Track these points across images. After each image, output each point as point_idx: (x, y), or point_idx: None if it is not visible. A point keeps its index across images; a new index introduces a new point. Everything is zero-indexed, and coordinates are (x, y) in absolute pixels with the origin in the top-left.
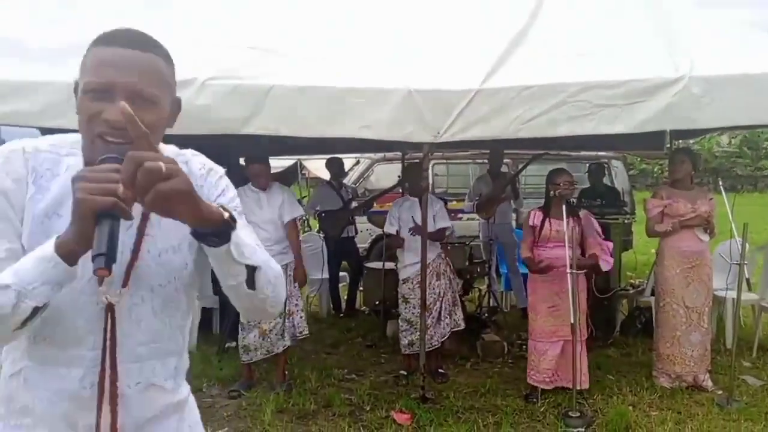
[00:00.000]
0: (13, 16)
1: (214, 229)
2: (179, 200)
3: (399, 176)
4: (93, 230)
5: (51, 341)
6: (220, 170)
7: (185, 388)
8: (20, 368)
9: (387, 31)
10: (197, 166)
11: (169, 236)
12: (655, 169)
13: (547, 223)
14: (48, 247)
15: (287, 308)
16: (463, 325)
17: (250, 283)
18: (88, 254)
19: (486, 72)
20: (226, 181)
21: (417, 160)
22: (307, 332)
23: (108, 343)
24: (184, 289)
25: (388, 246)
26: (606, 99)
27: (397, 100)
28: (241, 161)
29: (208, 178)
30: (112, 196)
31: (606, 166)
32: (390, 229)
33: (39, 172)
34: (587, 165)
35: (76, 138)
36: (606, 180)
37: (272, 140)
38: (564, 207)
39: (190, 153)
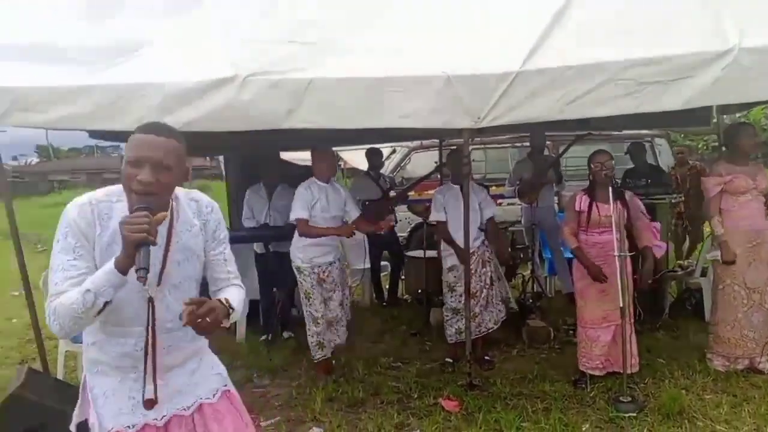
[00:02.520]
0: (37, 19)
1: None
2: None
3: (436, 162)
4: (135, 254)
5: (114, 322)
6: (217, 206)
7: (201, 341)
8: (96, 340)
9: (421, 16)
10: (205, 203)
11: (185, 253)
12: (700, 145)
13: (594, 208)
14: (110, 265)
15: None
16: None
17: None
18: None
19: (525, 53)
20: (220, 216)
21: (455, 147)
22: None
23: (150, 322)
24: (195, 285)
25: (432, 234)
26: (651, 76)
27: (436, 88)
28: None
29: (212, 214)
30: (144, 233)
31: (646, 144)
32: (438, 216)
33: (101, 216)
34: (657, 146)
35: (120, 190)
36: (650, 159)
37: (308, 133)
38: (610, 190)
39: (197, 194)
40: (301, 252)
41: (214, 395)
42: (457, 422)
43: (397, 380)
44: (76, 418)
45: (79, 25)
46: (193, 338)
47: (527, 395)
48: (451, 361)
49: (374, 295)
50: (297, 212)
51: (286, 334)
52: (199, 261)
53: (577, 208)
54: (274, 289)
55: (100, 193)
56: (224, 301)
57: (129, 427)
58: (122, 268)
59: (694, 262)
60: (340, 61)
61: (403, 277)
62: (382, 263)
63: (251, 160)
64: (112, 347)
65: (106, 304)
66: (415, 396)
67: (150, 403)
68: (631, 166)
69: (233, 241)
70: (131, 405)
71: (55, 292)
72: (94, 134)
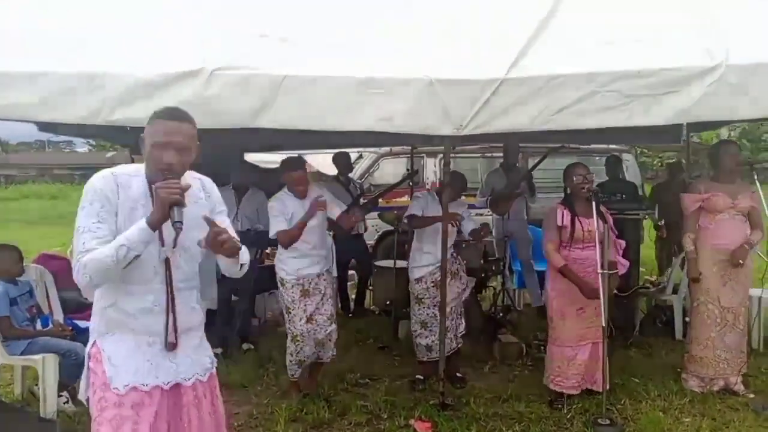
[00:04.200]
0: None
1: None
2: (228, 251)
3: (408, 170)
4: (168, 213)
5: (135, 280)
6: (215, 188)
7: (201, 314)
8: (114, 301)
9: (406, 17)
10: (207, 181)
11: (194, 221)
12: (654, 162)
13: (577, 223)
14: (142, 223)
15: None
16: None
17: (239, 269)
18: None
19: (511, 60)
20: (219, 196)
21: (425, 155)
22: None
23: (168, 279)
24: (200, 249)
25: (402, 243)
26: (638, 89)
27: (417, 91)
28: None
29: (213, 190)
30: (178, 195)
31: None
32: (415, 212)
33: (122, 186)
34: (605, 158)
35: (137, 167)
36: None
37: (274, 134)
38: (594, 204)
39: (199, 174)
40: (286, 264)
41: (205, 374)
42: None
43: (365, 399)
44: (84, 387)
45: (36, 13)
46: (197, 302)
47: (502, 416)
48: (421, 378)
49: (340, 306)
50: (276, 227)
51: (245, 346)
52: (204, 229)
53: (559, 223)
54: (234, 298)
55: (118, 169)
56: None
57: (144, 385)
58: (154, 226)
59: (665, 279)
60: (316, 59)
61: (370, 287)
62: (349, 272)
63: (213, 160)
64: (133, 304)
65: (136, 257)
66: (385, 416)
67: (172, 345)
68: (600, 180)
69: None
70: (147, 368)
71: (84, 249)
72: (44, 127)
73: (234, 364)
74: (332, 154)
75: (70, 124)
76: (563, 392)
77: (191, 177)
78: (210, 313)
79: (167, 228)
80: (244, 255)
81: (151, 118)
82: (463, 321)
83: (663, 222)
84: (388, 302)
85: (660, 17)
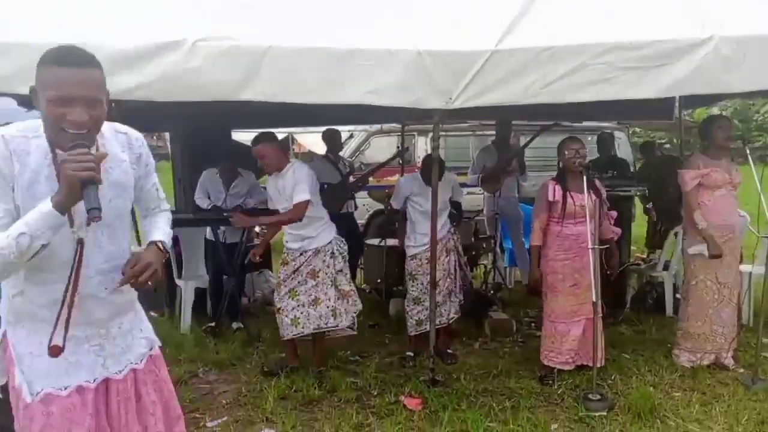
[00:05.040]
0: None
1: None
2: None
3: (398, 147)
4: (80, 194)
5: (46, 268)
6: (142, 139)
7: (133, 293)
8: (21, 289)
9: None
10: (134, 135)
11: (116, 190)
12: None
13: (569, 198)
14: (47, 206)
15: (312, 295)
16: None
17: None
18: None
19: (501, 31)
20: (146, 147)
21: (416, 133)
22: (333, 325)
23: (75, 264)
24: (126, 221)
25: (392, 221)
26: (630, 61)
27: (405, 63)
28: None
29: (143, 147)
30: (91, 171)
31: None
32: (395, 204)
33: (17, 153)
34: (596, 135)
35: (36, 124)
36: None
37: (261, 109)
38: (585, 179)
39: (122, 126)
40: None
41: (141, 360)
42: (421, 422)
43: (356, 376)
44: (1, 369)
45: None
46: (117, 291)
47: (493, 392)
48: (412, 354)
49: None
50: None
51: (235, 325)
52: (129, 196)
53: (550, 198)
54: (225, 277)
55: (13, 129)
56: (160, 246)
57: (61, 388)
58: (63, 209)
59: (656, 255)
60: (301, 29)
61: (361, 266)
62: None
63: (200, 137)
64: (42, 295)
65: (42, 246)
66: (375, 393)
67: (56, 350)
68: (595, 156)
69: (180, 224)
70: (64, 367)
71: None
72: (23, 102)
73: (223, 342)
74: (321, 133)
75: None
76: (555, 368)
77: (112, 131)
78: (200, 292)
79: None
80: (167, 242)
81: (40, 63)
82: (457, 300)
83: (651, 204)
84: (378, 281)
85: None
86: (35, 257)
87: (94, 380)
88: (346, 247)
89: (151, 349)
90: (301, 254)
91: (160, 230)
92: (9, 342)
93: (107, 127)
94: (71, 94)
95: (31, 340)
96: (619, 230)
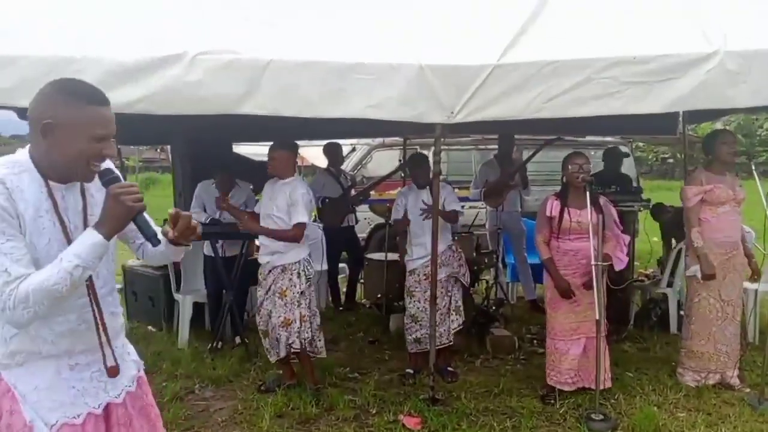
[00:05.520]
0: None
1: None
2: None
3: (400, 160)
4: (126, 223)
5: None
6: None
7: (122, 317)
8: (26, 327)
9: (397, 2)
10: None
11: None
12: (650, 156)
13: (566, 214)
14: (94, 237)
15: (281, 316)
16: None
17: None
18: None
19: (504, 46)
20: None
21: (419, 147)
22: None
23: (90, 290)
24: (114, 252)
25: (394, 235)
26: (634, 76)
27: (407, 77)
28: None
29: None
30: (142, 201)
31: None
32: (397, 215)
33: (15, 190)
34: (602, 149)
35: (15, 158)
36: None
37: (263, 123)
38: (587, 195)
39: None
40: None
41: (133, 383)
42: None
43: (354, 393)
44: None
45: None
46: (116, 306)
47: (494, 411)
48: (411, 372)
49: (330, 300)
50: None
51: (237, 341)
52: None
53: (548, 214)
54: (224, 292)
55: (1, 170)
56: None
57: (76, 417)
58: (110, 238)
59: (656, 271)
60: (302, 43)
61: (361, 280)
62: (340, 265)
63: (201, 150)
64: (53, 327)
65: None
66: (374, 412)
67: (114, 370)
68: (597, 170)
69: None
70: (72, 395)
71: (12, 278)
72: (23, 114)
73: (221, 358)
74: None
75: None
76: (560, 388)
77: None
78: (198, 307)
79: (78, 231)
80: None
81: (74, 100)
82: (458, 317)
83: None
84: (379, 296)
85: (656, 3)
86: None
87: (99, 405)
88: (313, 271)
89: (138, 371)
90: (270, 272)
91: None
92: (8, 384)
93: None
94: (111, 132)
95: (34, 376)
96: (626, 259)
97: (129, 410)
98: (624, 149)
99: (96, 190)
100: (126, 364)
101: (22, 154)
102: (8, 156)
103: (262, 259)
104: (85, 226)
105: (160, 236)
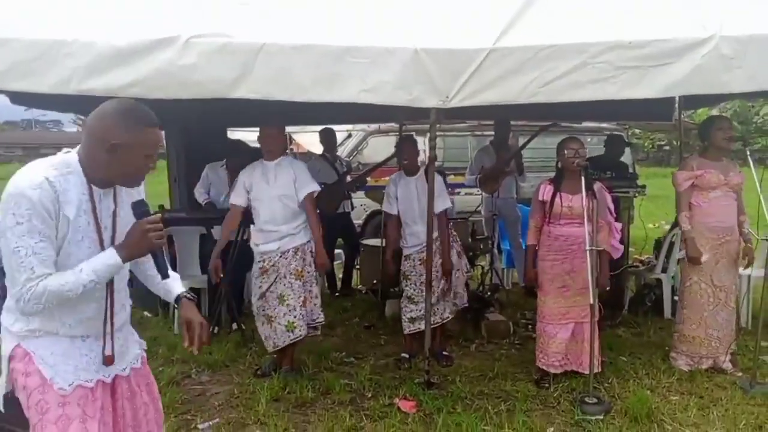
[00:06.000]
0: None
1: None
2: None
3: (397, 145)
4: (147, 254)
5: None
6: None
7: (129, 307)
8: (51, 312)
9: None
10: None
11: (129, 218)
12: (646, 144)
13: (557, 199)
14: (114, 258)
15: (302, 296)
16: (465, 303)
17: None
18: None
19: (500, 30)
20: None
21: (414, 133)
22: (322, 319)
23: (108, 288)
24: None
25: (384, 224)
26: (630, 60)
27: (402, 61)
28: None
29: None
30: (164, 239)
31: (604, 138)
32: (389, 209)
33: (61, 192)
34: (603, 136)
35: (66, 159)
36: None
37: (258, 108)
38: (582, 180)
39: None
40: (252, 238)
41: (137, 360)
42: (415, 425)
43: (350, 377)
44: (2, 390)
45: None
46: (127, 298)
47: (488, 395)
48: (407, 356)
49: (326, 285)
50: (231, 198)
51: (234, 326)
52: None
53: (540, 198)
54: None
55: (49, 169)
56: (189, 297)
57: (88, 381)
58: (126, 261)
59: (651, 257)
60: (296, 27)
61: (357, 266)
62: (336, 251)
63: (196, 135)
64: (73, 314)
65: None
66: (369, 395)
67: (110, 359)
68: (594, 155)
69: (173, 222)
70: (85, 362)
71: (35, 276)
72: (16, 98)
73: (217, 343)
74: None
75: (41, 94)
76: (546, 370)
77: None
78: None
79: (107, 232)
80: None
81: (140, 124)
82: (452, 300)
83: None
84: (375, 281)
85: None
86: None
87: (108, 375)
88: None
89: (142, 351)
90: (281, 256)
91: (174, 279)
92: (27, 350)
93: None
94: (156, 151)
95: (51, 344)
96: (621, 247)
97: (133, 385)
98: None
99: (125, 194)
100: (132, 343)
101: (71, 156)
102: (59, 156)
103: (268, 246)
104: (114, 226)
105: (169, 272)
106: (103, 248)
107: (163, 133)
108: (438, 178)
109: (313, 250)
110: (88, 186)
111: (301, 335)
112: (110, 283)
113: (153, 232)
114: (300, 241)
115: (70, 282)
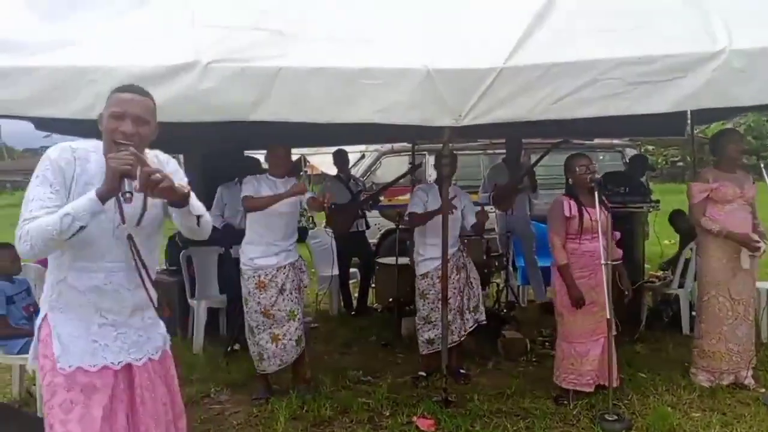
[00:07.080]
0: None
1: (180, 201)
2: (166, 193)
3: (410, 164)
4: (119, 185)
5: (86, 257)
6: (174, 161)
7: (151, 292)
8: (65, 276)
9: (403, 7)
10: (163, 157)
11: (155, 201)
12: (659, 159)
13: (585, 213)
14: (91, 194)
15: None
16: (484, 320)
17: (198, 224)
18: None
19: (510, 49)
20: (177, 166)
21: (427, 153)
22: (310, 320)
23: (136, 254)
24: (159, 227)
25: (403, 240)
26: (640, 76)
27: (414, 82)
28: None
29: (170, 163)
30: (129, 166)
31: (618, 154)
32: (415, 209)
33: (80, 159)
34: (631, 156)
35: (97, 143)
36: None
37: (275, 129)
38: (596, 194)
39: (154, 150)
40: (243, 252)
41: (157, 352)
42: None
43: (368, 396)
44: (32, 356)
45: (31, 19)
46: (138, 284)
47: (507, 413)
48: (424, 374)
49: (342, 304)
50: (243, 193)
51: (237, 346)
52: (163, 208)
53: (567, 214)
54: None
55: (77, 143)
56: (185, 187)
57: (92, 366)
58: (103, 197)
59: (668, 273)
60: (311, 50)
61: (373, 285)
62: (351, 270)
63: (214, 159)
64: (83, 281)
65: (81, 228)
66: (387, 414)
67: (166, 310)
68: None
69: (191, 243)
70: (93, 348)
71: (29, 217)
72: (40, 126)
73: (235, 362)
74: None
75: (64, 120)
76: (576, 389)
77: (152, 155)
78: (213, 312)
79: (130, 205)
80: (199, 206)
81: (111, 93)
82: (471, 318)
83: None
84: (390, 300)
85: (660, 3)
86: (73, 238)
87: (118, 363)
88: None
89: (165, 345)
90: (278, 270)
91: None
92: (49, 322)
93: (151, 152)
94: (124, 110)
95: (71, 323)
96: (620, 251)
97: (152, 377)
98: (631, 151)
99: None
100: (152, 336)
101: (101, 143)
102: (92, 140)
103: (267, 260)
104: (145, 202)
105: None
106: (123, 218)
107: (181, 157)
108: (467, 196)
109: (303, 267)
110: (106, 162)
111: (303, 346)
112: (136, 250)
113: (113, 159)
114: (294, 258)
115: (50, 219)
